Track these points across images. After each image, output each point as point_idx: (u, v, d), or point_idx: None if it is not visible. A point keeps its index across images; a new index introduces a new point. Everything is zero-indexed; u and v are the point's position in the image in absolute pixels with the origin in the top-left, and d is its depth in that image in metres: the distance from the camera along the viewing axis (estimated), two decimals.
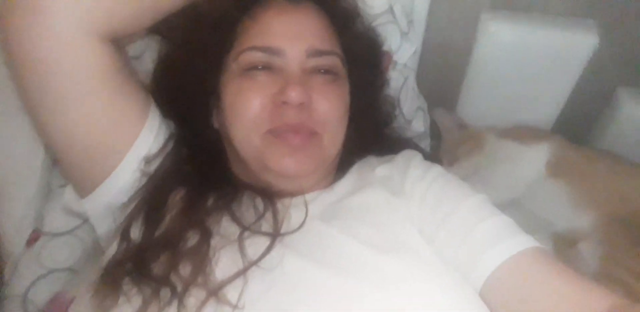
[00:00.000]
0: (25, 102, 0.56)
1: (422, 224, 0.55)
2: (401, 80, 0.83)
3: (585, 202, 0.77)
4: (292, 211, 0.54)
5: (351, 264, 0.48)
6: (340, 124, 0.60)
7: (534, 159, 0.82)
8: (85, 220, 0.65)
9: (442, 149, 0.93)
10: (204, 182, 0.57)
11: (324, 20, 0.61)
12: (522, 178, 0.83)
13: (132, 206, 0.55)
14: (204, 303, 0.44)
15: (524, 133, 0.87)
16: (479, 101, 0.92)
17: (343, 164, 0.65)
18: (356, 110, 0.63)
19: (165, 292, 0.45)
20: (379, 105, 0.74)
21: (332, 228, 0.52)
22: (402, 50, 0.82)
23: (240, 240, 0.49)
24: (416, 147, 0.77)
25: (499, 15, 0.82)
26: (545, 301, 0.48)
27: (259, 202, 0.55)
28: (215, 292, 0.44)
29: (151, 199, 0.55)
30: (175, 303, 0.44)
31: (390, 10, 0.79)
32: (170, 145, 0.60)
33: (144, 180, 0.57)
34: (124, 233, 0.52)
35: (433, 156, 0.86)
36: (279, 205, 0.54)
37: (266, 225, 0.52)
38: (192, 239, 0.49)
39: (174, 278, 0.46)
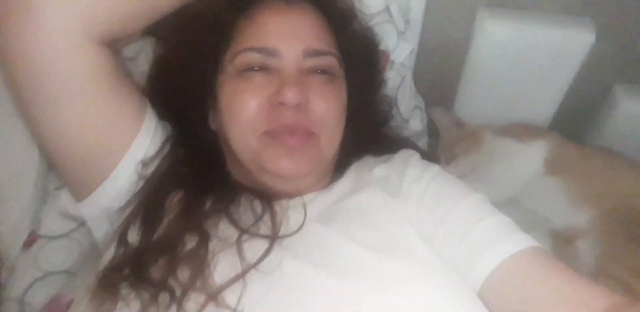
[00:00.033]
0: (19, 103, 0.56)
1: (420, 224, 0.54)
2: (398, 80, 0.83)
3: (583, 199, 0.77)
4: (291, 213, 0.54)
5: (349, 266, 0.48)
6: (338, 124, 0.59)
7: (531, 156, 0.82)
8: (82, 223, 0.65)
9: (439, 147, 0.93)
10: (201, 184, 0.56)
11: (321, 20, 0.61)
12: (519, 176, 0.83)
13: (129, 209, 0.55)
14: (203, 307, 0.44)
15: (521, 130, 0.87)
16: (476, 99, 0.92)
17: (340, 164, 0.65)
18: (353, 111, 0.63)
19: (164, 297, 0.45)
20: (377, 105, 0.73)
21: (330, 230, 0.52)
22: (399, 49, 0.81)
23: (239, 243, 0.49)
24: (414, 147, 0.76)
25: (496, 14, 0.82)
26: (545, 301, 0.48)
27: (257, 205, 0.54)
28: (214, 296, 0.44)
29: (148, 202, 0.55)
30: (174, 308, 0.44)
31: (387, 9, 0.79)
32: (167, 147, 0.59)
33: (141, 183, 0.57)
34: (122, 237, 0.52)
35: (431, 155, 0.86)
36: (277, 207, 0.54)
37: (264, 227, 0.51)
38: (190, 242, 0.49)
39: (172, 282, 0.46)
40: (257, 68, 0.56)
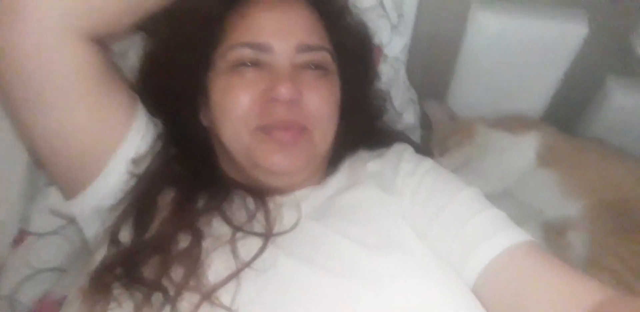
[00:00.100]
0: (6, 103, 0.55)
1: (414, 219, 0.54)
2: (392, 73, 0.82)
3: (575, 190, 0.77)
4: (285, 210, 0.53)
5: (344, 263, 0.48)
6: (331, 119, 0.59)
7: (524, 149, 0.83)
8: (72, 220, 0.64)
9: (432, 140, 0.93)
10: (194, 181, 0.56)
11: (313, 14, 0.60)
12: (512, 168, 0.83)
13: (121, 208, 0.54)
14: (197, 307, 0.43)
15: (513, 123, 0.87)
16: (469, 92, 0.92)
17: (334, 159, 0.65)
18: (347, 105, 0.62)
19: (157, 297, 0.44)
20: (370, 100, 0.73)
21: (325, 227, 0.51)
22: (393, 43, 0.81)
23: (233, 241, 0.48)
24: (407, 140, 0.76)
25: (489, 6, 0.81)
26: (539, 295, 0.48)
27: (250, 202, 0.54)
28: (208, 295, 0.44)
29: (140, 200, 0.54)
30: (167, 308, 0.43)
31: (380, 3, 0.79)
32: (159, 145, 0.59)
33: (132, 182, 0.56)
34: (113, 236, 0.51)
35: (424, 147, 0.86)
36: (271, 204, 0.54)
37: (258, 225, 0.51)
38: (183, 241, 0.49)
39: (165, 282, 0.45)
40: (249, 63, 0.55)
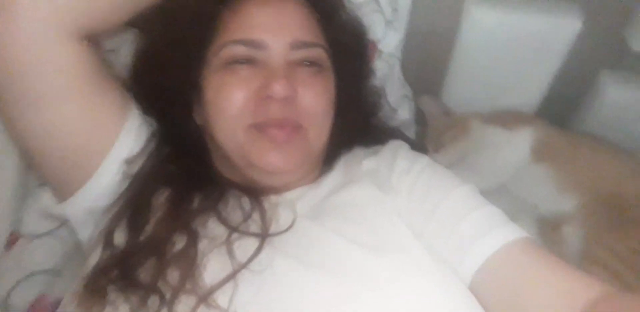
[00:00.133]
0: None
1: (410, 216, 0.54)
2: (386, 69, 0.82)
3: (570, 185, 0.77)
4: (280, 210, 0.53)
5: (341, 263, 0.48)
6: (326, 117, 0.59)
7: (518, 144, 0.83)
8: (65, 221, 0.63)
9: (427, 136, 0.93)
10: (188, 181, 0.55)
11: (307, 10, 0.59)
12: (507, 163, 0.83)
13: (115, 209, 0.54)
14: (194, 310, 0.43)
15: (508, 118, 0.87)
16: (464, 87, 0.92)
17: (329, 157, 0.64)
18: (342, 102, 0.62)
19: (153, 300, 0.44)
20: (365, 96, 0.72)
21: (321, 227, 0.51)
22: (388, 39, 0.80)
23: (229, 242, 0.48)
24: (402, 136, 0.76)
25: (483, 1, 0.81)
26: (536, 292, 0.48)
27: (245, 201, 0.54)
28: (205, 298, 0.43)
29: (134, 201, 0.54)
30: (164, 311, 0.43)
31: None
32: (152, 144, 0.58)
33: (126, 183, 0.55)
34: (107, 238, 0.51)
35: (419, 143, 0.86)
36: (266, 204, 0.53)
37: (254, 225, 0.51)
38: (179, 242, 0.48)
39: (162, 285, 0.45)
40: (243, 61, 0.55)
